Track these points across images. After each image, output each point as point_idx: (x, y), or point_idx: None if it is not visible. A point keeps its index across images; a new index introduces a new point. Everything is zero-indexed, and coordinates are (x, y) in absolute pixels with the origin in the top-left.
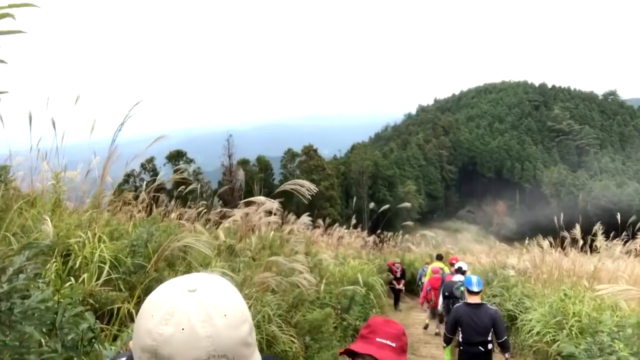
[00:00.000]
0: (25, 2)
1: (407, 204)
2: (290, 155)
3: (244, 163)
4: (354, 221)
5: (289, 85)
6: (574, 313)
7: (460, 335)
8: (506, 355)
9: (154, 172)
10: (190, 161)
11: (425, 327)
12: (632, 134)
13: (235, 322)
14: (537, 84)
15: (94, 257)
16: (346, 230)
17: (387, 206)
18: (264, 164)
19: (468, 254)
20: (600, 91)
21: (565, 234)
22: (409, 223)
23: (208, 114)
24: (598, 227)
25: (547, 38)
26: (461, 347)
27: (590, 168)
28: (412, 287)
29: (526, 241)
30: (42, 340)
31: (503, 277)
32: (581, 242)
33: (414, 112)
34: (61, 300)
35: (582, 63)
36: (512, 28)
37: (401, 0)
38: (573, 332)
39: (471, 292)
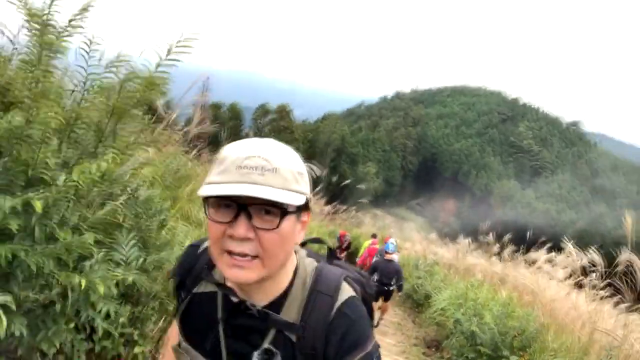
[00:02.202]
0: None
1: (362, 186)
2: (263, 110)
3: (216, 107)
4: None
5: (274, 41)
6: (472, 298)
7: (376, 278)
8: (399, 293)
9: None
10: (162, 93)
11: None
12: (582, 167)
13: (291, 154)
14: (510, 97)
15: None
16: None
17: (348, 181)
18: (235, 113)
19: (407, 241)
20: (566, 119)
21: (489, 238)
22: (364, 200)
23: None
24: (507, 239)
25: (534, 54)
26: (375, 286)
27: (538, 189)
28: (353, 259)
29: (459, 238)
30: None
31: (429, 264)
32: (497, 249)
33: (390, 96)
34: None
35: (557, 88)
36: (503, 37)
37: None
38: (468, 311)
39: (387, 252)
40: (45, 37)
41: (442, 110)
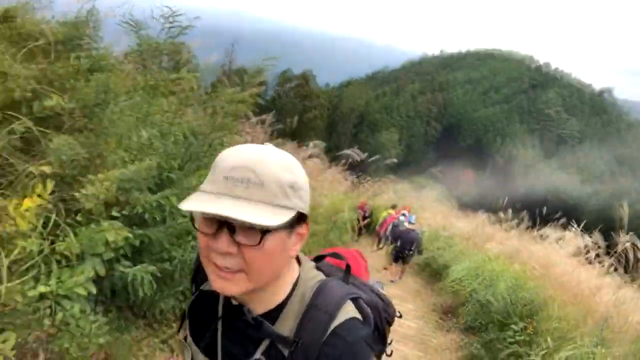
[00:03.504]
0: None
1: (389, 161)
2: (286, 77)
3: (241, 72)
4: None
5: None
6: (488, 269)
7: (399, 243)
8: (418, 254)
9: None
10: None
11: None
12: (612, 135)
13: (285, 165)
14: (541, 62)
15: None
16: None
17: (374, 158)
18: (260, 79)
19: (427, 211)
20: (598, 86)
21: (507, 214)
22: (390, 176)
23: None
24: (524, 215)
25: (567, 18)
26: (397, 250)
27: (563, 159)
28: (374, 228)
29: (479, 212)
30: None
31: (449, 236)
32: (514, 224)
33: (417, 57)
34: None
35: (591, 54)
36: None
37: None
38: (484, 281)
39: (410, 223)
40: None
41: (470, 75)
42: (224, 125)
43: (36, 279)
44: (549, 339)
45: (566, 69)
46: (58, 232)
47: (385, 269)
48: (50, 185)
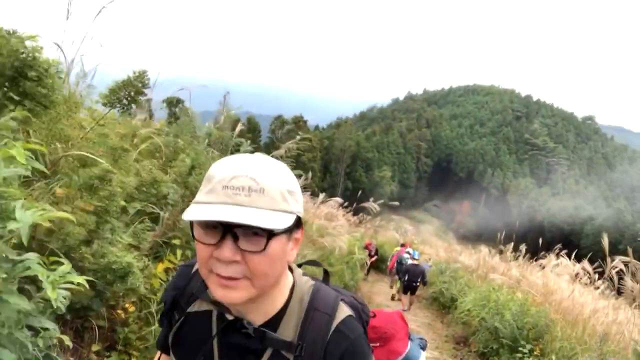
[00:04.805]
0: None
1: (386, 201)
2: (280, 121)
3: (235, 120)
4: (343, 200)
5: (283, 53)
6: (494, 299)
7: (406, 277)
8: (424, 285)
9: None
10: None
11: (392, 298)
12: (599, 162)
13: (280, 171)
14: (523, 95)
15: None
16: (337, 209)
17: (377, 203)
18: (253, 125)
19: (427, 245)
20: (580, 113)
21: (507, 247)
22: (394, 203)
23: (200, 64)
24: (523, 248)
25: (543, 51)
26: (405, 283)
27: (555, 186)
28: (380, 265)
29: (481, 246)
30: None
31: (454, 269)
32: (514, 256)
33: (401, 98)
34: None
35: (570, 83)
36: (512, 35)
37: None
38: (491, 310)
39: (414, 259)
40: None
41: (455, 111)
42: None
43: None
44: (554, 358)
45: (548, 99)
46: None
47: (392, 298)
48: (179, 253)
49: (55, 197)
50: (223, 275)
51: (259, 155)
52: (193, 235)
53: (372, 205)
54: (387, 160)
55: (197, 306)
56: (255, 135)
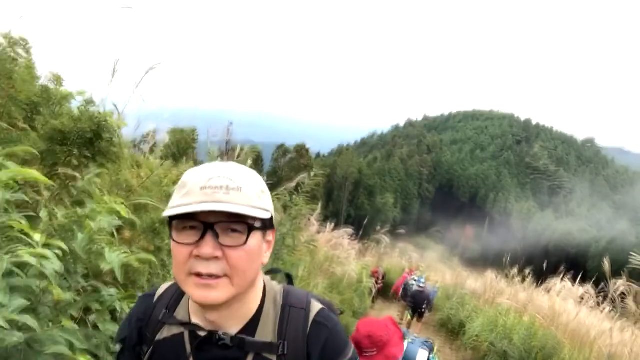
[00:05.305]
0: None
1: (385, 237)
2: (282, 150)
3: (234, 149)
4: (349, 229)
5: (282, 81)
6: (501, 324)
7: (412, 303)
8: (429, 310)
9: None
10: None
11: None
12: (601, 184)
13: (252, 174)
14: (522, 119)
15: None
16: (343, 237)
17: (381, 232)
18: (255, 154)
19: (433, 271)
20: (580, 135)
21: (513, 271)
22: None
23: (200, 94)
24: (528, 271)
25: (541, 75)
26: (412, 308)
27: (558, 209)
28: (387, 291)
29: (487, 272)
30: None
31: (460, 295)
32: (520, 280)
33: (402, 124)
34: None
35: (570, 106)
36: (510, 61)
37: (402, 15)
38: (499, 335)
39: (419, 286)
40: None
41: (455, 136)
42: None
43: None
44: None
45: (547, 122)
46: None
47: (400, 323)
48: None
49: (122, 239)
50: (204, 273)
51: (231, 162)
52: (172, 238)
53: (382, 237)
54: (389, 187)
55: (165, 332)
56: (257, 163)
